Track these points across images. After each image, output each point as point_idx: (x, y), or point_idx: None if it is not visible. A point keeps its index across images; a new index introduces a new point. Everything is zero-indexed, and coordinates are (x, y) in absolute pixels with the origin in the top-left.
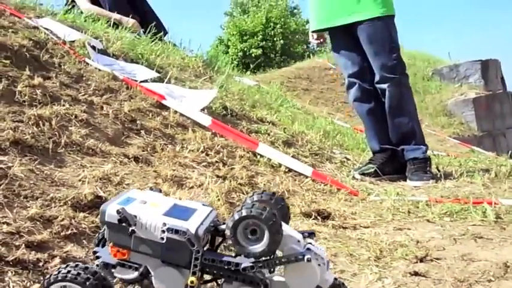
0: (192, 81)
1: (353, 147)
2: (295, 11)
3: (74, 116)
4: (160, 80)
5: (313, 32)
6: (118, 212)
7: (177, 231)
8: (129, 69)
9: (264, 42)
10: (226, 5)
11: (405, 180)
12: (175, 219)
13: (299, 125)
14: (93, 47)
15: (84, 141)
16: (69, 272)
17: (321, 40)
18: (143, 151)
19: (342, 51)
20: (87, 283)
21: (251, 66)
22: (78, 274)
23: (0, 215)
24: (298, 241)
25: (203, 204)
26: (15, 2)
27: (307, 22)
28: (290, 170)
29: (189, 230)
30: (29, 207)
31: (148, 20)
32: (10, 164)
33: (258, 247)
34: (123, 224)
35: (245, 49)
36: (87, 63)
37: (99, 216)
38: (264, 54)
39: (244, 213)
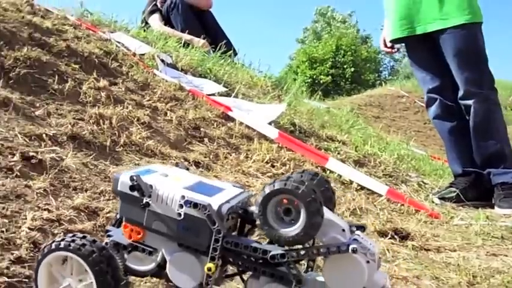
0: (259, 98)
1: (430, 172)
2: (367, 39)
3: (136, 118)
4: (227, 94)
5: (390, 41)
6: (131, 178)
7: (196, 205)
8: (197, 83)
9: (333, 70)
10: (298, 32)
11: (492, 208)
12: (196, 193)
13: (371, 147)
14: (162, 61)
15: (144, 142)
16: (73, 241)
17: (394, 50)
18: (205, 157)
19: (420, 63)
20: (91, 258)
21: (320, 92)
22: (83, 245)
23: (44, 201)
24: (343, 230)
25: (234, 185)
26: (92, 19)
27: (380, 52)
28: (362, 188)
29: (210, 205)
30: (75, 197)
31: (218, 41)
32: (63, 156)
33: (292, 230)
34: (136, 195)
35: (314, 76)
36: (155, 74)
37: (111, 186)
38: (334, 82)
39: (276, 186)
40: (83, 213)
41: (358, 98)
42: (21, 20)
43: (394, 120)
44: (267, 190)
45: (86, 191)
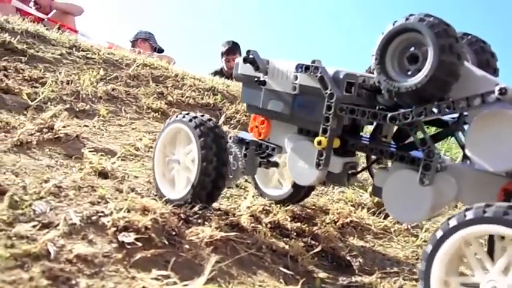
0: None
1: None
2: None
3: None
4: None
5: None
6: (247, 52)
7: (307, 69)
8: None
9: None
10: None
11: None
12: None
13: None
14: None
15: None
16: (193, 117)
17: None
18: None
19: None
20: (192, 121)
21: None
22: (187, 114)
23: None
24: (497, 85)
25: None
26: None
27: None
28: None
29: (323, 68)
30: None
31: None
32: None
33: (415, 78)
34: (253, 72)
35: None
36: None
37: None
38: None
39: (397, 24)
40: None
41: None
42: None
43: None
44: (386, 31)
45: None
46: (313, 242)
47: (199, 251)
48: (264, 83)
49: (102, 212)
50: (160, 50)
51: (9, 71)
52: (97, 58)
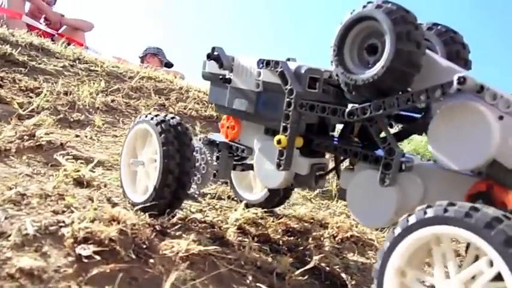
0: None
1: None
2: None
3: None
4: None
5: None
6: (212, 49)
7: (268, 64)
8: None
9: None
10: None
11: None
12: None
13: None
14: None
15: None
16: (153, 115)
17: None
18: None
19: None
20: (159, 126)
21: None
22: (156, 115)
23: None
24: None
25: None
26: None
27: None
28: None
29: (284, 62)
30: None
31: None
32: None
33: (373, 70)
34: (218, 70)
35: None
36: None
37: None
38: None
39: (355, 13)
40: None
41: None
42: None
43: None
44: (343, 21)
45: None
46: (305, 259)
47: (171, 267)
48: (229, 81)
49: (63, 221)
50: (170, 65)
51: (5, 81)
52: (100, 70)
